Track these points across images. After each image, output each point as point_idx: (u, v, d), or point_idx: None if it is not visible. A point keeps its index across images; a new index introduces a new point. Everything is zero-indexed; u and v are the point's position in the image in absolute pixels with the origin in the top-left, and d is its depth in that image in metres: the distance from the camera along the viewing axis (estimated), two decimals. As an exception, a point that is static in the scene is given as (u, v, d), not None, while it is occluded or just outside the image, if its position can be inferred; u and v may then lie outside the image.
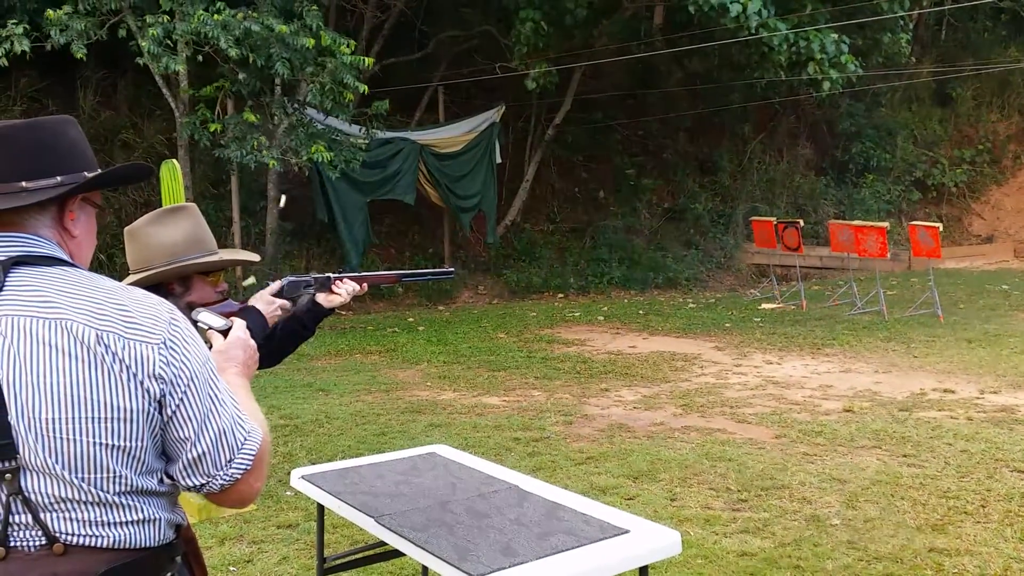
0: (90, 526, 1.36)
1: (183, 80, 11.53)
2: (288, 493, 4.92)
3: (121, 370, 1.34)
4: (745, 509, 4.62)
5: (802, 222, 12.75)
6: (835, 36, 11.88)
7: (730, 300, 13.17)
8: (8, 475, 1.32)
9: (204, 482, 1.45)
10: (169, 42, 9.19)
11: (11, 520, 1.33)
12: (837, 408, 6.69)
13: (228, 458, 1.45)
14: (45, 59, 11.72)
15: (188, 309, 1.94)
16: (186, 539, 1.59)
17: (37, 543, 1.35)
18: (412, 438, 6.00)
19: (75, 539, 1.35)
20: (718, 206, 16.22)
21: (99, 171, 1.51)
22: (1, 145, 1.41)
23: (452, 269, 2.96)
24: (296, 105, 10.13)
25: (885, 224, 11.58)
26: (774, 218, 13.11)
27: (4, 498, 1.33)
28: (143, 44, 9.05)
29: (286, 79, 9.63)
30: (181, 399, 1.40)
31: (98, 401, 1.33)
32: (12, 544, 1.34)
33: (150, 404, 1.37)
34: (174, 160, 4.51)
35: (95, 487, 1.35)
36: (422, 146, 12.66)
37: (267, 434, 1.55)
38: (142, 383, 1.36)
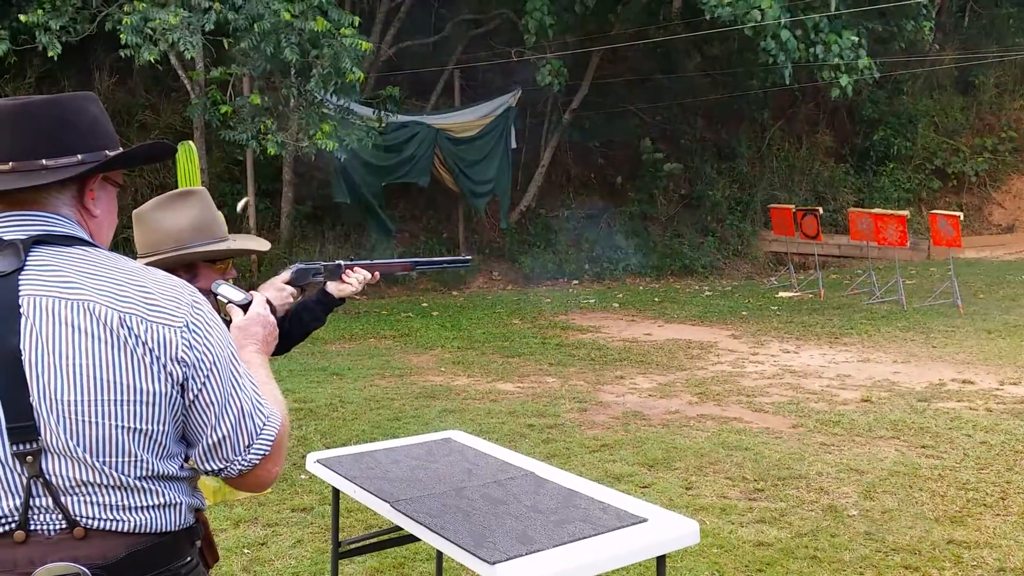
0: (111, 510, 1.35)
1: (199, 62, 11.53)
2: (303, 477, 4.92)
3: (144, 353, 1.33)
4: (761, 499, 4.58)
5: (821, 210, 12.63)
6: (854, 39, 11.68)
7: (747, 288, 13.08)
8: (29, 457, 1.30)
9: (223, 467, 1.45)
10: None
11: (31, 503, 1.31)
12: (855, 398, 6.63)
13: (247, 443, 1.44)
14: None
15: None
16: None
17: (57, 527, 1.33)
18: (426, 423, 5.99)
19: (96, 523, 1.34)
20: (736, 193, 16.08)
21: (121, 150, 1.48)
22: (21, 121, 1.38)
23: (469, 257, 2.80)
24: (308, 87, 10.11)
25: (905, 212, 11.45)
26: (793, 205, 12.99)
27: (25, 481, 1.30)
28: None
29: (297, 64, 9.60)
30: (203, 383, 1.39)
31: (121, 384, 1.32)
32: (32, 528, 1.32)
33: (172, 387, 1.36)
34: (190, 142, 4.48)
35: (117, 471, 1.33)
36: (438, 130, 12.60)
37: (286, 417, 1.53)
38: (165, 366, 1.35)
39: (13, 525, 1.31)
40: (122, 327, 1.32)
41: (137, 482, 1.35)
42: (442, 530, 2.27)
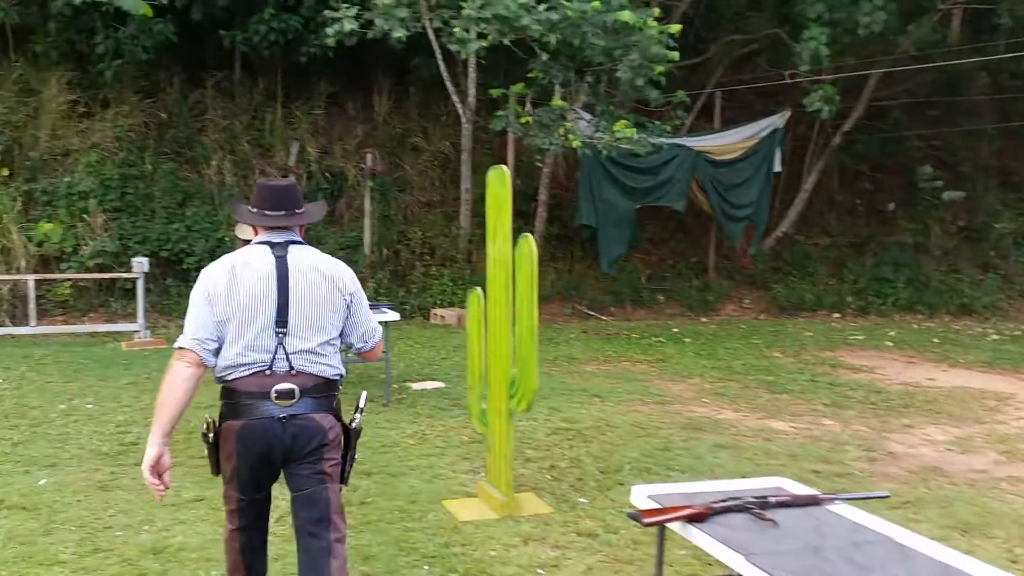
0: (309, 363, 2.84)
1: (471, 87, 12.08)
2: (582, 500, 4.89)
3: (338, 288, 2.93)
4: (1115, 587, 3.94)
5: None
6: None
7: (1040, 333, 11.63)
8: (280, 334, 2.82)
9: (362, 344, 3.06)
10: (479, 28, 9.57)
11: (275, 357, 2.81)
12: None
13: (372, 334, 3.08)
14: (342, 65, 12.75)
15: None
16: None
17: (284, 368, 2.81)
18: (699, 457, 5.78)
19: (302, 367, 2.83)
20: (1023, 226, 14.43)
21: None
22: (288, 192, 3.02)
23: (887, 494, 3.04)
24: (617, 75, 10.15)
25: None
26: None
27: (274, 346, 2.81)
28: (455, 30, 9.50)
29: (599, 60, 9.71)
30: (358, 304, 3.00)
31: (329, 299, 2.90)
32: (273, 370, 2.80)
33: (344, 303, 2.95)
34: (503, 166, 4.59)
35: (316, 341, 2.86)
36: (697, 152, 12.33)
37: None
38: (343, 295, 2.94)
39: (266, 368, 2.80)
40: (331, 276, 2.93)
41: (321, 348, 2.87)
42: (815, 595, 2.08)
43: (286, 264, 2.84)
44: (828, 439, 6.34)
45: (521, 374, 4.48)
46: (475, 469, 5.38)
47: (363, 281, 11.45)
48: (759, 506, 2.67)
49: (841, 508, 2.77)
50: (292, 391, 2.76)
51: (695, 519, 2.59)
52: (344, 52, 11.29)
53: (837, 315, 12.81)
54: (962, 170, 14.84)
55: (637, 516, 2.61)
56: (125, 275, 10.44)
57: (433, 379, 8.10)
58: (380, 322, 7.54)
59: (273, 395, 2.74)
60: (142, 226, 11.49)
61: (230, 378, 2.80)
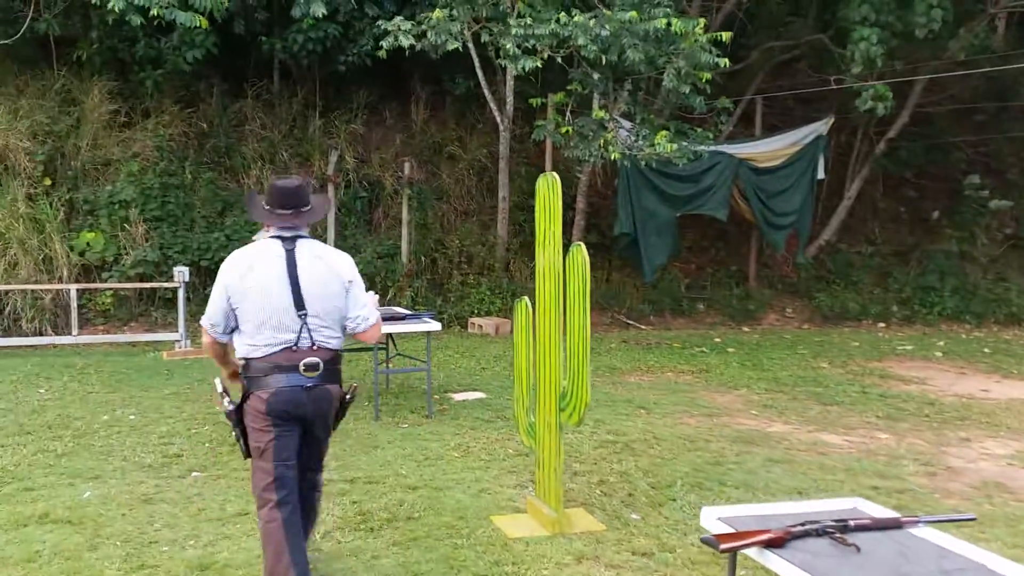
0: (327, 339, 3.38)
1: (509, 96, 12.00)
2: (635, 516, 4.75)
3: (338, 275, 3.43)
4: None
5: None
6: None
7: (1096, 344, 11.27)
8: (302, 315, 3.32)
9: (356, 324, 3.48)
10: (528, 45, 9.50)
11: (300, 336, 3.32)
12: None
13: (366, 316, 3.50)
14: (380, 75, 12.74)
15: None
16: None
17: (308, 345, 3.34)
18: (752, 472, 5.62)
19: (322, 343, 3.37)
20: (1074, 234, 14.05)
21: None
22: (297, 192, 3.46)
23: (973, 516, 3.01)
24: (664, 84, 9.98)
25: None
26: None
27: (298, 327, 3.31)
28: (506, 46, 9.44)
29: (640, 68, 9.57)
30: (354, 289, 3.47)
31: (332, 286, 3.40)
32: (298, 346, 3.32)
33: (345, 289, 3.43)
34: (554, 173, 4.49)
35: (331, 320, 3.39)
36: (740, 160, 12.12)
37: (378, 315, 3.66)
38: (342, 282, 3.43)
39: (292, 345, 3.31)
40: (332, 264, 3.43)
41: (334, 325, 3.41)
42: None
43: (294, 256, 3.36)
44: (884, 453, 6.14)
45: (573, 386, 4.36)
46: (522, 484, 5.27)
47: (400, 290, 11.32)
48: (839, 530, 2.53)
49: (923, 531, 2.62)
50: (317, 364, 3.32)
51: (773, 544, 2.45)
52: (382, 62, 11.25)
53: (882, 324, 12.53)
54: (1009, 177, 14.49)
55: (713, 542, 2.48)
56: (166, 284, 10.50)
57: (474, 390, 8.00)
58: (422, 332, 7.40)
59: (301, 367, 3.30)
60: (182, 235, 11.56)
61: (258, 355, 3.31)
